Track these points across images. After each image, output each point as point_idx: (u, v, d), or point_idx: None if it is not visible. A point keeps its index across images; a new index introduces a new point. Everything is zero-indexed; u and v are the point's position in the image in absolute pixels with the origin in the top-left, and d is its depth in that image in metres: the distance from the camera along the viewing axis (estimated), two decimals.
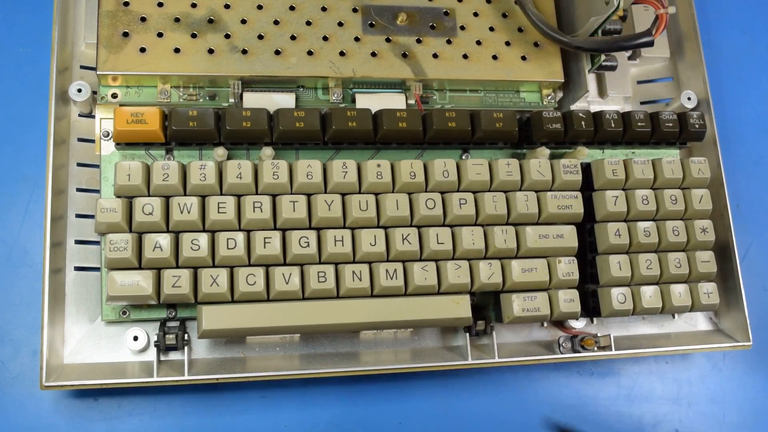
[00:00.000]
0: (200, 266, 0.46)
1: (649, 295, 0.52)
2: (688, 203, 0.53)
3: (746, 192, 0.63)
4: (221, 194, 0.47)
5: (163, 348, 0.46)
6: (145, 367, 0.46)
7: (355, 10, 0.52)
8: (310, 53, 0.50)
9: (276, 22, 0.50)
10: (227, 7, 0.50)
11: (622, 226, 0.52)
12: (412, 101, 0.53)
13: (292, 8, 0.51)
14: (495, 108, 0.53)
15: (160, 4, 0.49)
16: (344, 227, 0.48)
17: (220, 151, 0.48)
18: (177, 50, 0.48)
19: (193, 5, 0.49)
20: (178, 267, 0.46)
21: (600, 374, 0.56)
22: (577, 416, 0.54)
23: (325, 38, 0.51)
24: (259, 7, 0.50)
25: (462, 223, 0.50)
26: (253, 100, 0.50)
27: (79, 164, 0.49)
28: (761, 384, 0.59)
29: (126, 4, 0.48)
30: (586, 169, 0.54)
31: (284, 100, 0.51)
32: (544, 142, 0.53)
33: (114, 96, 0.49)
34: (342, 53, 0.51)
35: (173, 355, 0.48)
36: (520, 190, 0.51)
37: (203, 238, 0.46)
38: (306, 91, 0.52)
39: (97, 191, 0.48)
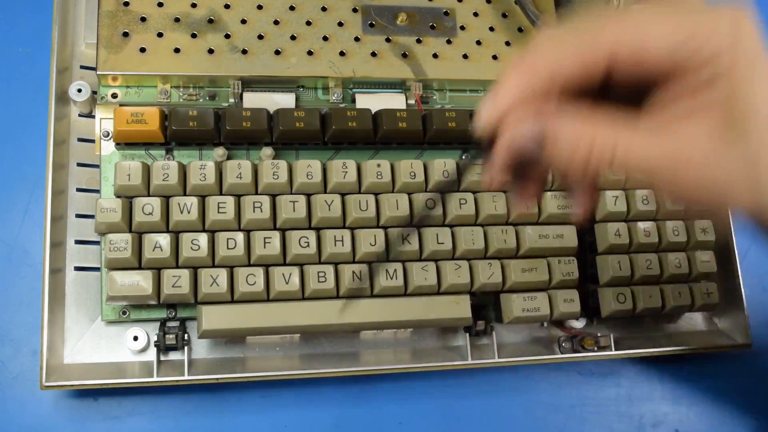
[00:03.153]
0: (200, 266, 0.46)
1: (649, 295, 0.52)
2: None
3: None
4: (221, 194, 0.47)
5: (163, 348, 0.46)
6: (145, 367, 0.46)
7: (355, 10, 0.52)
8: (310, 53, 0.50)
9: (276, 22, 0.50)
10: (227, 7, 0.50)
11: (622, 226, 0.52)
12: (412, 101, 0.53)
13: (292, 8, 0.51)
14: None
15: (160, 4, 0.49)
16: (344, 227, 0.48)
17: (220, 151, 0.48)
18: (177, 50, 0.48)
19: (193, 5, 0.49)
20: (178, 267, 0.46)
21: (600, 374, 0.56)
22: (577, 416, 0.54)
23: (325, 38, 0.51)
24: (259, 7, 0.50)
25: (462, 223, 0.50)
26: (253, 100, 0.50)
27: (79, 164, 0.49)
28: (761, 384, 0.59)
29: (126, 4, 0.48)
30: None
31: (284, 100, 0.51)
32: None
33: (114, 96, 0.49)
34: (342, 53, 0.51)
35: (173, 355, 0.47)
36: None
37: (203, 238, 0.46)
38: (306, 91, 0.52)
39: (97, 191, 0.48)
